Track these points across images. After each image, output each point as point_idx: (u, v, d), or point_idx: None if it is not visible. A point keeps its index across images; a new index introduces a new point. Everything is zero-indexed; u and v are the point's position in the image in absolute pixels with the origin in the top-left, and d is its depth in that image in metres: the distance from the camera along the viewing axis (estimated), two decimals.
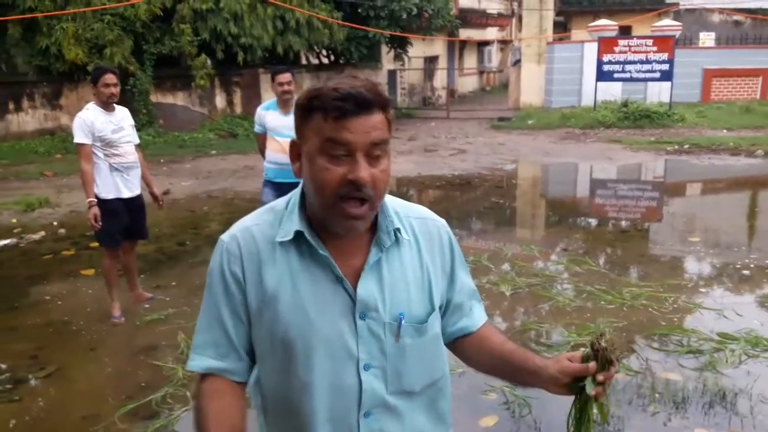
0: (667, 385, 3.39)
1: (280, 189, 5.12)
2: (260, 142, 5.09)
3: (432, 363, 1.28)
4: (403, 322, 1.21)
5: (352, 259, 1.21)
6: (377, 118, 1.12)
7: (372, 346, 1.20)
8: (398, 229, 1.23)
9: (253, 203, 6.69)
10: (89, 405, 3.39)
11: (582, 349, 1.21)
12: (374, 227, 1.23)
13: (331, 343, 1.18)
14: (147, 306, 4.72)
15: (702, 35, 19.92)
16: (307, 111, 1.13)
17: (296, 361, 1.19)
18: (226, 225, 5.75)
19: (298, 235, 1.19)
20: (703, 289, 4.98)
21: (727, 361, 3.64)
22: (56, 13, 11.58)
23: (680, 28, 17.23)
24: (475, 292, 1.40)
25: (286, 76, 4.82)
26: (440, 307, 1.31)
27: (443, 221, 1.35)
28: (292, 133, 4.84)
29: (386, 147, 1.14)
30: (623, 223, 7.40)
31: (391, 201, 1.27)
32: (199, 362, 1.24)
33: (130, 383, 3.59)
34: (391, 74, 19.95)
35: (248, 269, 1.21)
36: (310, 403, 1.19)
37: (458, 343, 1.38)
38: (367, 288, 1.19)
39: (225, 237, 1.25)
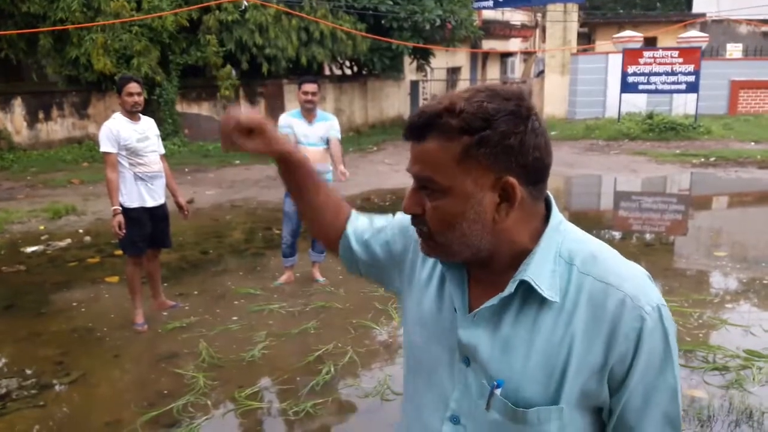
0: (692, 403, 3.33)
1: None
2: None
3: None
4: (497, 391, 0.97)
5: (487, 294, 1.01)
6: (427, 147, 0.95)
7: (464, 400, 1.02)
8: (525, 282, 0.96)
9: (275, 213, 6.75)
10: (112, 411, 3.43)
11: None
12: None
13: (434, 368, 1.07)
14: (165, 314, 4.76)
15: (729, 47, 19.67)
16: None
17: (409, 366, 1.16)
18: (249, 234, 5.80)
19: None
20: (729, 305, 4.89)
21: (754, 379, 3.57)
22: (86, 24, 11.84)
23: (707, 39, 17.03)
24: (671, 421, 0.98)
25: (311, 86, 4.90)
26: (602, 411, 0.99)
27: (648, 302, 0.94)
28: (318, 142, 4.95)
29: (434, 185, 0.96)
30: (647, 236, 7.30)
31: (573, 245, 1.01)
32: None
33: (152, 390, 3.63)
34: (414, 85, 20.01)
35: (413, 254, 1.18)
36: (403, 412, 1.18)
37: None
38: (470, 334, 1.01)
39: None
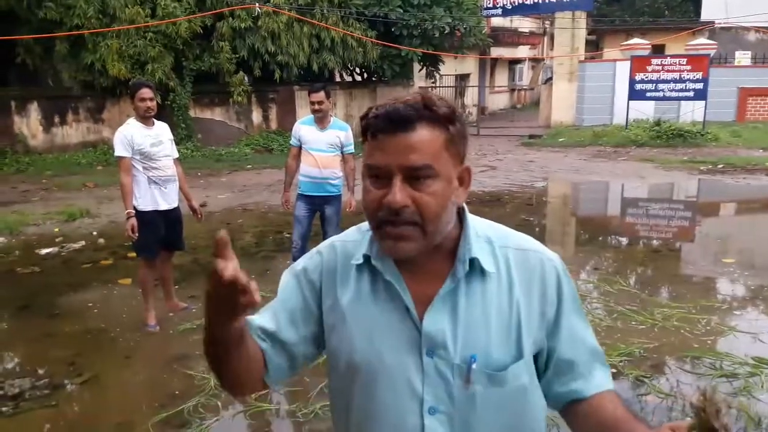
0: None
1: (312, 202, 5.20)
2: (291, 154, 5.25)
3: (515, 420, 1.10)
4: (474, 366, 1.05)
5: (428, 287, 1.08)
6: (420, 136, 1.00)
7: (439, 388, 1.07)
8: (475, 259, 1.07)
9: (286, 216, 6.78)
10: (123, 412, 3.48)
11: (688, 418, 0.99)
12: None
13: (394, 377, 1.08)
14: (171, 314, 4.81)
15: (738, 54, 19.59)
16: (362, 131, 1.08)
17: (359, 388, 1.12)
18: (260, 237, 5.85)
19: (367, 258, 1.12)
20: (737, 312, 4.88)
21: (762, 386, 3.56)
22: (102, 30, 11.98)
23: (715, 46, 17.01)
24: (596, 352, 1.16)
25: (317, 96, 4.92)
26: (539, 357, 1.13)
27: (554, 256, 1.15)
28: (327, 148, 5.06)
29: (431, 171, 1.01)
30: (655, 243, 7.29)
31: (483, 227, 1.14)
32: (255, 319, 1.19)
33: (163, 391, 3.67)
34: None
35: (326, 283, 1.17)
36: None
37: (567, 409, 1.16)
38: (435, 321, 1.07)
39: (313, 249, 1.23)
